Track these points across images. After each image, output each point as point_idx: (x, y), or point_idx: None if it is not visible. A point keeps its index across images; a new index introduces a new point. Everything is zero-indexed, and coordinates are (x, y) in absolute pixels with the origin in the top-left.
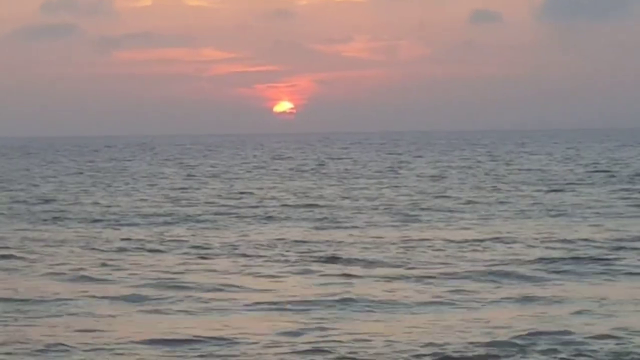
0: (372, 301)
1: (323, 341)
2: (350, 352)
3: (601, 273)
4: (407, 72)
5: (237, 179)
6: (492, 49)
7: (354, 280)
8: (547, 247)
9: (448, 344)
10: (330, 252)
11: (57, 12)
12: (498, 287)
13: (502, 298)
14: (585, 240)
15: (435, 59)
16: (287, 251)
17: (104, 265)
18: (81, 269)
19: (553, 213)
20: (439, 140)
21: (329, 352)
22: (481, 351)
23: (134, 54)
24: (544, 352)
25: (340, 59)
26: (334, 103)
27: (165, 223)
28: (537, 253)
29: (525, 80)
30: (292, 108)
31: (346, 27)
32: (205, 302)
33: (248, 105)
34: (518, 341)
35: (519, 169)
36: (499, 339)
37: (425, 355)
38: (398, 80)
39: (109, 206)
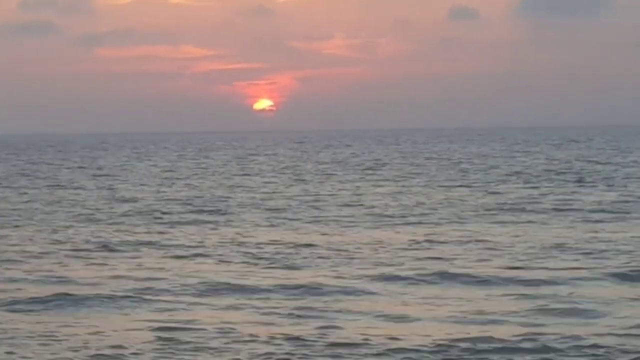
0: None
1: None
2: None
3: None
4: (387, 70)
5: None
6: (471, 46)
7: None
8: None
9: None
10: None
11: (36, 10)
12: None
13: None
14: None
15: (414, 56)
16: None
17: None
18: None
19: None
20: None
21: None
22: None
23: (115, 51)
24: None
25: (320, 57)
26: (314, 100)
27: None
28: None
29: (505, 77)
30: (272, 105)
31: (326, 25)
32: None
33: (228, 102)
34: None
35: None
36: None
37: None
38: (378, 77)
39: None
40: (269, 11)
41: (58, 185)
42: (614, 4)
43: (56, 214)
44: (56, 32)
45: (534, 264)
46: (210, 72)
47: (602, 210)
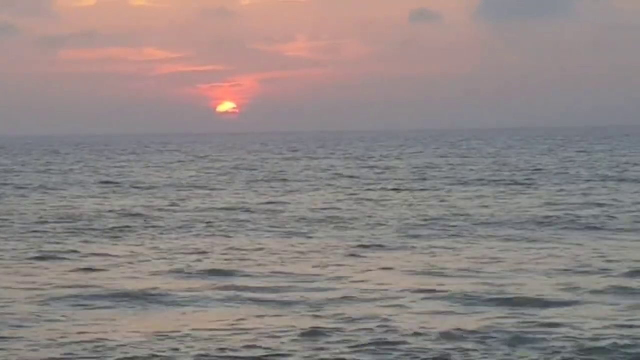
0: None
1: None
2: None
3: None
4: (350, 71)
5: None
6: (433, 48)
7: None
8: None
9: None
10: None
11: None
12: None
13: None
14: None
15: (377, 58)
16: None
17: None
18: None
19: None
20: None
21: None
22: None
23: (77, 53)
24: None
25: (283, 59)
26: (278, 103)
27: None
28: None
29: (466, 79)
30: (235, 108)
31: (288, 27)
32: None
33: (191, 105)
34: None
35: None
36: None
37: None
38: (341, 79)
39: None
40: (231, 13)
41: None
42: (575, 6)
43: None
44: (18, 34)
45: None
46: (173, 74)
47: None
